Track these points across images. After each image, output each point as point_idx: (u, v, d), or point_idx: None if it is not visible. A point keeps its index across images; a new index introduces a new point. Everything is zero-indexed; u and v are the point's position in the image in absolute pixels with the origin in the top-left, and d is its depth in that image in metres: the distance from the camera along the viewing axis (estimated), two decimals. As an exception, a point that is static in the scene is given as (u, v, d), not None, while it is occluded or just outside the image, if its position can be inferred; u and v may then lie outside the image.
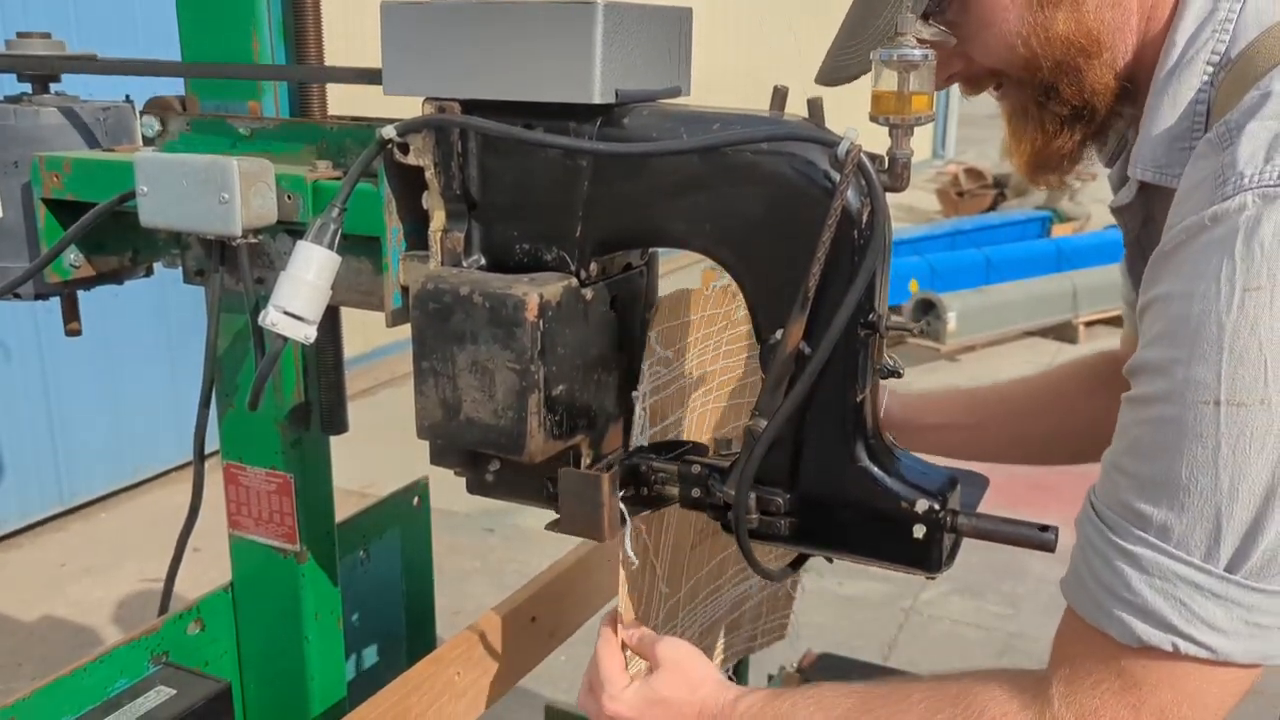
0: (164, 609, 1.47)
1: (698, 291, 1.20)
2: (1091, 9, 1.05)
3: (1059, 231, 8.92)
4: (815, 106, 1.00)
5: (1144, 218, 1.14)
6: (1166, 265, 0.90)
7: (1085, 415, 1.48)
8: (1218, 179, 0.87)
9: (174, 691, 1.34)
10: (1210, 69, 0.99)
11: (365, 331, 5.62)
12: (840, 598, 3.88)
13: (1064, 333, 7.16)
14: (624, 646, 1.21)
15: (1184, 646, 0.89)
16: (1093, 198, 9.40)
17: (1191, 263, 0.87)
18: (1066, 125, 1.11)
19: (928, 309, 6.66)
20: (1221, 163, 0.88)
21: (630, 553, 1.14)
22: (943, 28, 1.06)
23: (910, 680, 1.07)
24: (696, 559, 1.33)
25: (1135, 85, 1.09)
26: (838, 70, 1.13)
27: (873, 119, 0.96)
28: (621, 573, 1.17)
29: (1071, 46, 1.06)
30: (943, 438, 1.53)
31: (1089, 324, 7.14)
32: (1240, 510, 0.86)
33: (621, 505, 1.11)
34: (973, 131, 15.14)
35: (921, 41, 0.94)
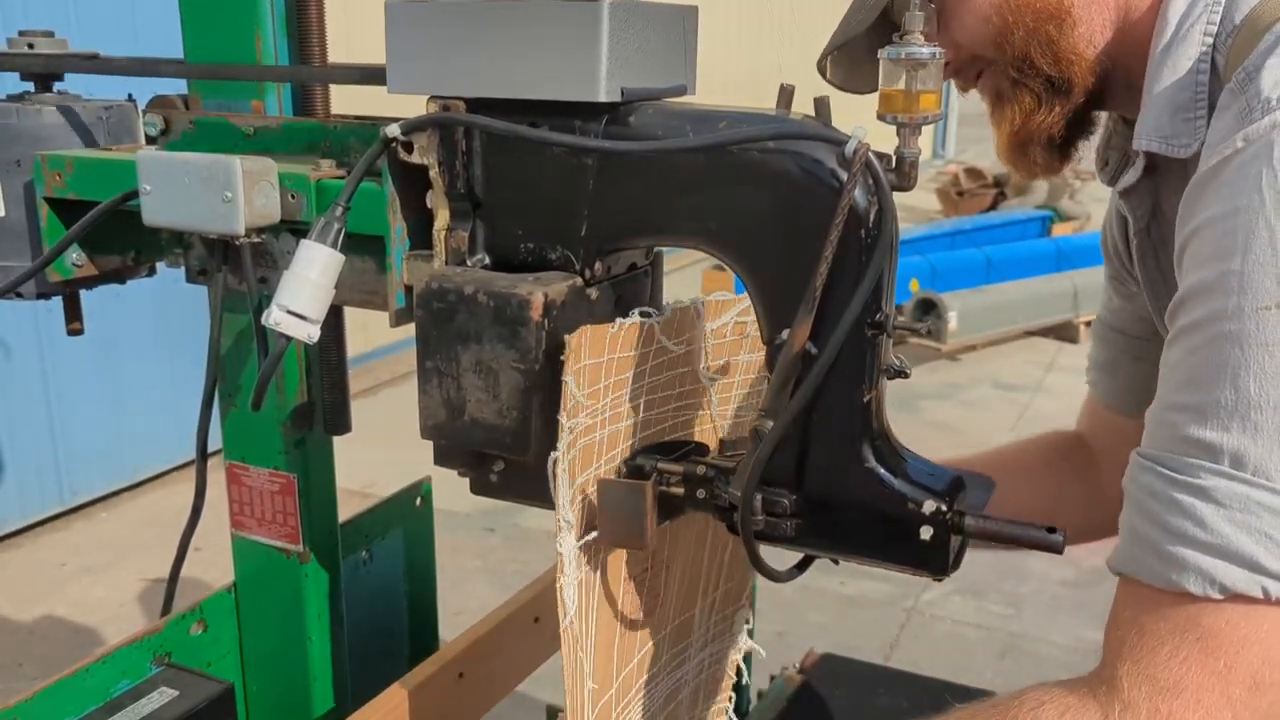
0: (167, 609, 1.47)
1: (606, 329, 1.05)
2: None
3: (1059, 231, 8.92)
4: (822, 105, 0.99)
5: (1152, 205, 1.14)
6: (1203, 193, 0.89)
7: (1053, 495, 1.46)
8: (1243, 111, 0.88)
9: (176, 692, 1.34)
10: (1208, 40, 1.00)
11: (366, 331, 5.62)
12: (842, 598, 3.88)
13: (1064, 332, 7.16)
14: None
15: (1274, 588, 0.79)
16: (1093, 197, 9.41)
17: (1230, 183, 0.86)
18: (1044, 100, 1.11)
19: (928, 309, 6.66)
20: (1246, 97, 0.88)
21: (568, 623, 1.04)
22: (933, 5, 1.06)
23: (952, 713, 1.00)
24: (627, 648, 1.20)
25: (1119, 75, 1.10)
26: (841, 39, 1.15)
27: (880, 117, 0.96)
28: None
29: (1040, 14, 1.07)
30: None
31: (1089, 323, 7.13)
32: None
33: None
34: (973, 131, 15.14)
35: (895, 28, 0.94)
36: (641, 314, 1.08)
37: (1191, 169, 0.97)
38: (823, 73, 1.20)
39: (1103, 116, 1.19)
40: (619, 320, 1.05)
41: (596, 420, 1.06)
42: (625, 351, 1.07)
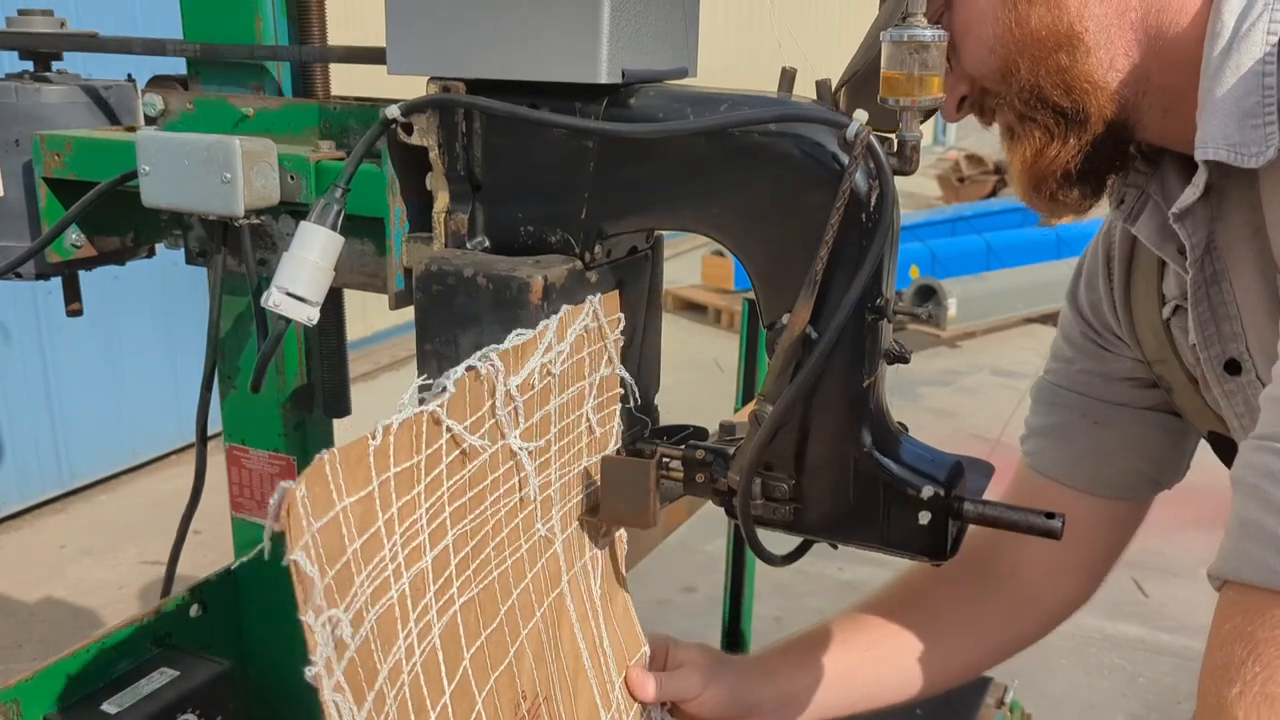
0: (166, 591, 1.47)
1: (363, 445, 0.76)
2: (1073, 4, 1.00)
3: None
4: (824, 88, 0.99)
5: (1207, 234, 1.04)
6: None
7: (957, 623, 1.38)
8: None
9: (176, 673, 1.34)
10: (1272, 39, 0.92)
11: (365, 315, 5.62)
12: (840, 583, 3.89)
13: (1064, 320, 7.15)
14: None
15: None
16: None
17: None
18: (1055, 134, 1.04)
19: (928, 295, 6.66)
20: None
21: None
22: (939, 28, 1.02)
23: None
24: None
25: (1150, 96, 1.02)
26: (855, 67, 1.11)
27: (882, 101, 0.95)
28: None
29: (1047, 44, 1.01)
30: (820, 701, 1.33)
31: (1090, 311, 7.14)
32: None
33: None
34: (974, 118, 15.09)
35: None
36: (420, 390, 0.86)
37: (1265, 180, 0.91)
38: (837, 104, 1.10)
39: (1133, 153, 1.10)
40: (381, 424, 0.77)
41: (387, 573, 0.78)
42: (401, 464, 0.79)
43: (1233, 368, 1.10)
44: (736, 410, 1.43)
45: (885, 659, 1.36)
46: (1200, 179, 0.99)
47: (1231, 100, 0.94)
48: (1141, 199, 1.12)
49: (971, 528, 1.03)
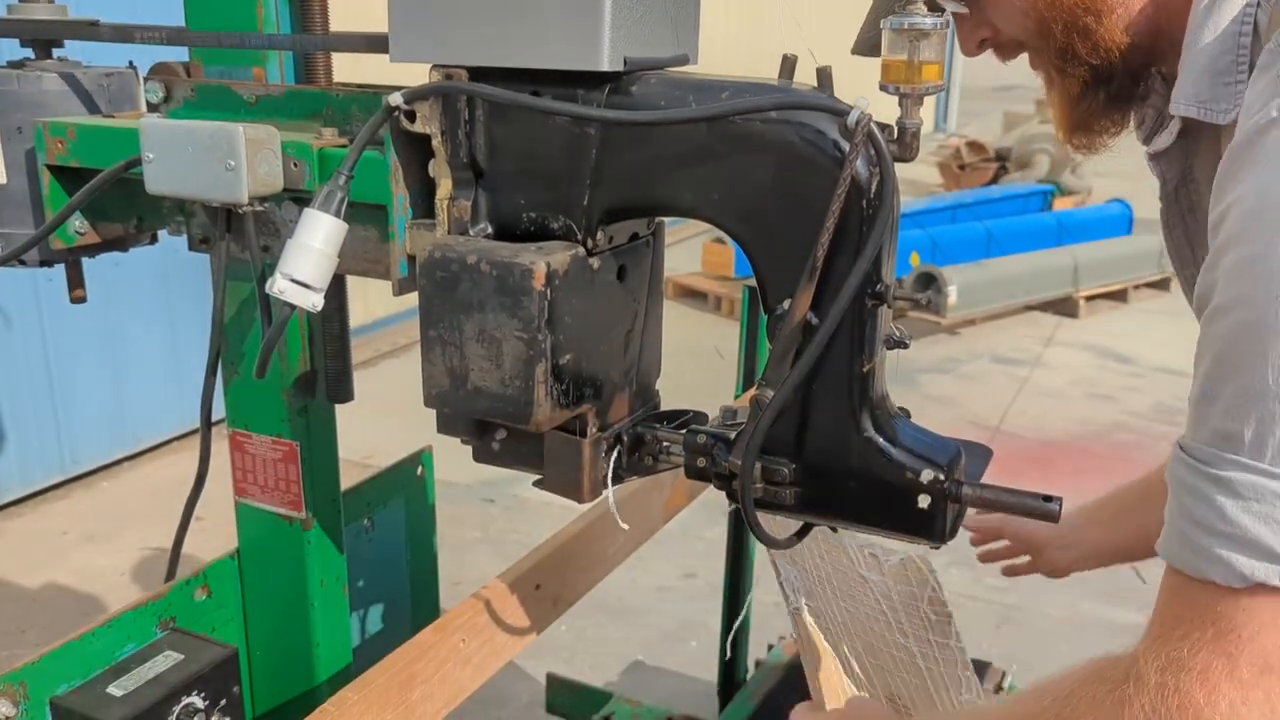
0: (171, 575, 1.48)
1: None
2: None
3: (1060, 205, 8.90)
4: (824, 75, 0.99)
5: (1182, 169, 1.12)
6: (1236, 167, 0.86)
7: None
8: None
9: (181, 656, 1.35)
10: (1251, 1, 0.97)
11: (366, 302, 5.62)
12: (839, 569, 3.90)
13: (1065, 307, 7.15)
14: None
15: None
16: (1094, 171, 9.37)
17: (1263, 157, 0.83)
18: (1089, 88, 1.11)
19: (929, 282, 6.65)
20: None
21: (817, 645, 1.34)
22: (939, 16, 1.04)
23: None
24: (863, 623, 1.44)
25: (1165, 36, 1.08)
26: (874, 40, 1.13)
27: (882, 88, 0.96)
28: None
29: (1076, 8, 1.07)
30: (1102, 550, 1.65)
31: (1090, 298, 7.14)
32: None
33: (608, 470, 1.14)
34: (975, 104, 15.06)
35: (937, 8, 0.93)
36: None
37: (1228, 136, 0.94)
38: (831, 79, 1.14)
39: (1155, 79, 1.16)
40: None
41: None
42: None
43: None
44: (737, 396, 1.44)
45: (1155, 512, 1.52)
46: (1174, 128, 1.07)
47: (1207, 57, 0.99)
48: (1158, 120, 1.17)
49: None
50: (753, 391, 1.03)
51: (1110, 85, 1.11)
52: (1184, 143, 1.09)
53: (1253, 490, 0.81)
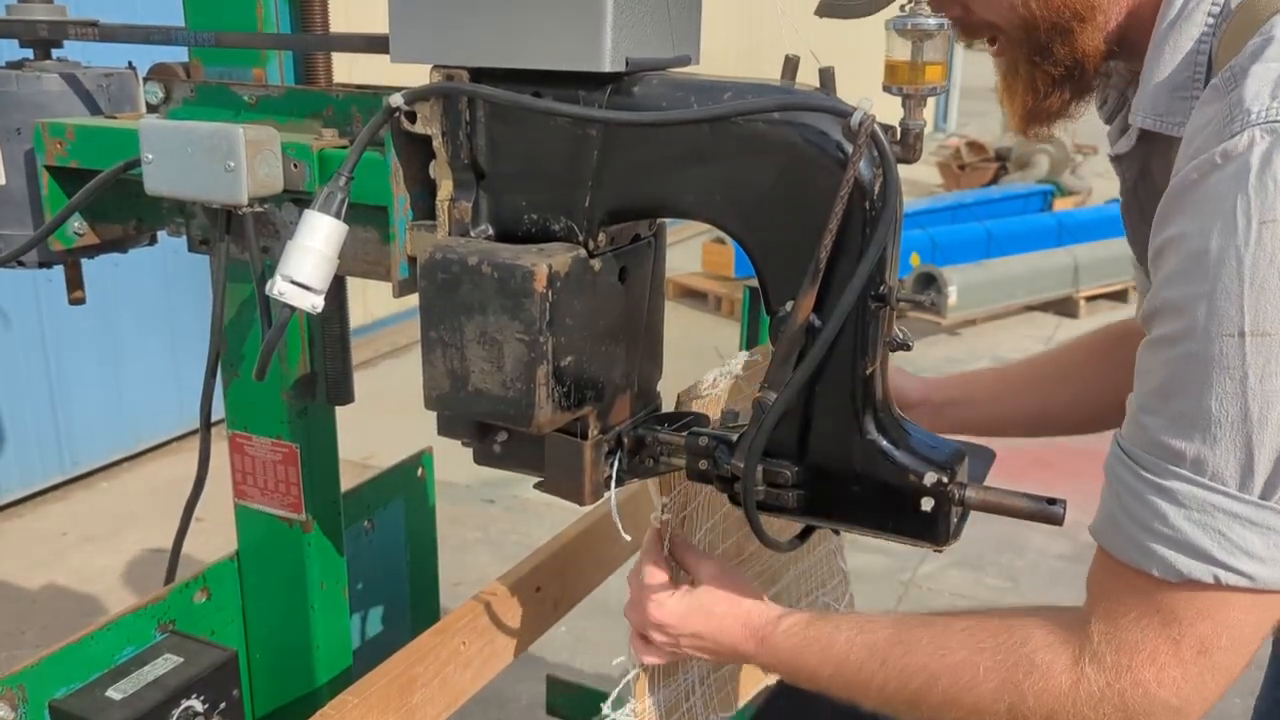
0: (170, 578, 1.47)
1: None
2: None
3: (1060, 205, 8.90)
4: (827, 76, 0.99)
5: (1141, 168, 1.16)
6: (1180, 204, 0.91)
7: (1101, 385, 1.50)
8: (1225, 119, 0.89)
9: (181, 659, 1.35)
10: (1211, 20, 1.01)
11: (365, 303, 5.61)
12: (839, 570, 3.90)
13: (1065, 307, 7.15)
14: (668, 558, 1.24)
15: (1224, 577, 0.90)
16: (1094, 172, 9.37)
17: (1206, 200, 0.88)
18: (1057, 85, 1.14)
19: (929, 282, 6.65)
20: (1229, 103, 0.89)
21: (657, 508, 1.22)
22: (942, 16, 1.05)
23: (950, 614, 1.09)
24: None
25: (1131, 41, 1.11)
26: (836, 5, 1.15)
27: (886, 89, 0.95)
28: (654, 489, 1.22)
29: (1067, 10, 1.09)
30: (960, 413, 1.56)
31: (1090, 298, 7.13)
32: (1271, 437, 0.87)
33: (610, 473, 1.14)
34: (975, 104, 15.06)
35: None
36: None
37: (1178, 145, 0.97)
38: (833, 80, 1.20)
39: (1114, 66, 1.20)
40: None
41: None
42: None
43: None
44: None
45: (1066, 382, 1.56)
46: (1133, 136, 1.13)
47: (1166, 73, 1.04)
48: (1120, 101, 1.23)
49: None
50: (755, 393, 1.03)
51: (1079, 84, 1.14)
52: (1143, 148, 1.14)
53: (1193, 500, 0.90)
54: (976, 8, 1.13)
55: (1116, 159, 1.19)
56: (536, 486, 1.16)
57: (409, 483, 1.82)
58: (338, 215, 1.07)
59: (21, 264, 1.34)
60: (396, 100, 1.07)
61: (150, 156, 1.16)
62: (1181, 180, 0.91)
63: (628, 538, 1.20)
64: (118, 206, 1.34)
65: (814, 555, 1.61)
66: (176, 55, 1.33)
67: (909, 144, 0.95)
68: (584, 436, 1.12)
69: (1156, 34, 1.05)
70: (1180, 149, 0.95)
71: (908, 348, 1.03)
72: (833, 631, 1.10)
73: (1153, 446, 0.93)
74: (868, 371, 1.01)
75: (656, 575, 1.22)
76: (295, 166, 1.16)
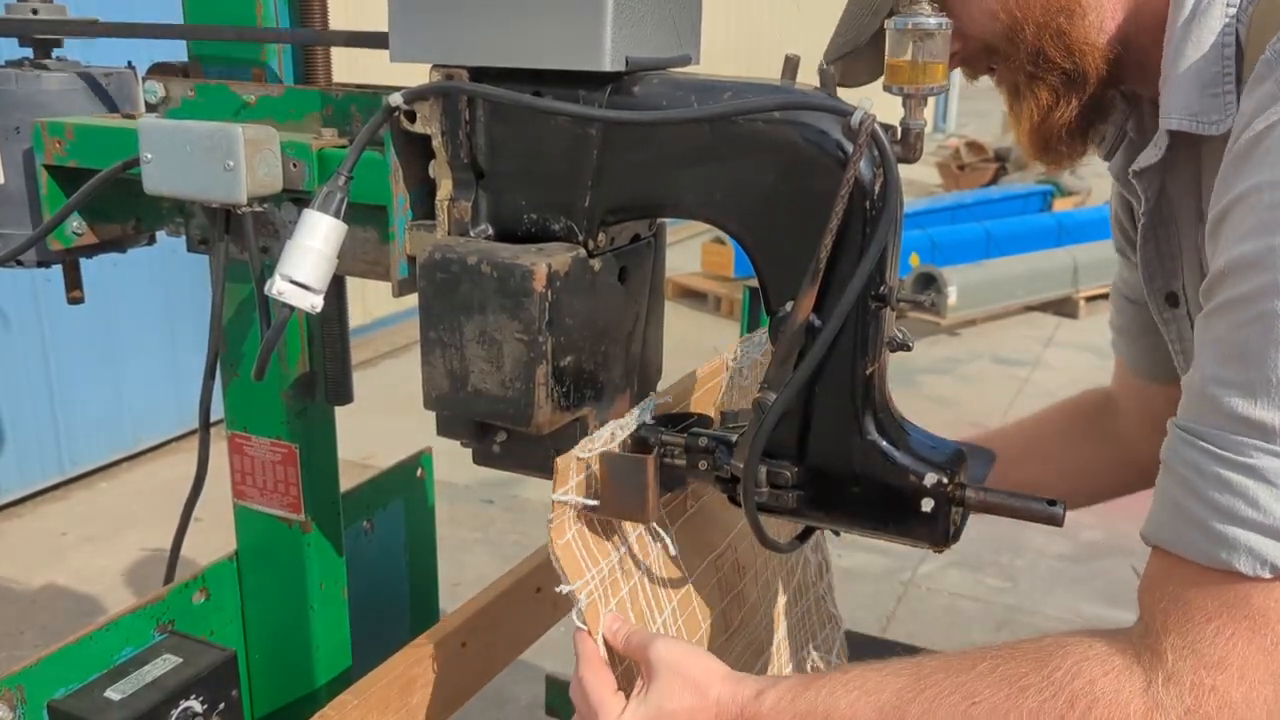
0: (169, 578, 1.47)
1: None
2: None
3: (1060, 206, 8.90)
4: (827, 76, 0.99)
5: (1160, 184, 1.12)
6: (1246, 163, 0.86)
7: (1062, 465, 1.48)
8: None
9: (180, 659, 1.34)
10: (1230, 10, 0.97)
11: (364, 303, 5.61)
12: (839, 570, 3.89)
13: (1064, 307, 7.15)
14: (610, 660, 1.05)
15: None
16: (1094, 172, 9.36)
17: (1274, 151, 0.83)
18: (1061, 94, 1.10)
19: (928, 283, 6.65)
20: None
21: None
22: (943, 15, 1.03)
23: (963, 653, 0.95)
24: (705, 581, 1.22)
25: (1130, 53, 1.08)
26: (846, 47, 1.12)
27: (886, 89, 0.95)
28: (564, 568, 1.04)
29: (1049, 7, 1.06)
30: None
31: (1089, 299, 7.13)
32: None
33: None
34: (974, 105, 15.06)
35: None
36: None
37: (1219, 147, 0.94)
38: (834, 80, 1.12)
39: (1116, 96, 1.17)
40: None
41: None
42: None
43: (1173, 300, 1.21)
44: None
45: (1015, 467, 1.43)
46: (1162, 143, 1.05)
47: (1193, 70, 0.99)
48: (1119, 136, 1.20)
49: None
50: (755, 394, 1.02)
51: (1084, 92, 1.09)
52: (1161, 160, 1.08)
53: None
54: (968, 27, 1.09)
55: (1138, 175, 1.11)
56: (590, 509, 1.06)
57: (408, 483, 1.82)
58: (337, 215, 1.06)
59: (20, 263, 1.34)
60: (396, 99, 1.07)
61: (149, 156, 1.16)
62: (1242, 143, 0.86)
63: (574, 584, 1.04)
64: (117, 206, 1.33)
65: (804, 603, 1.51)
66: (176, 54, 1.33)
67: (910, 143, 0.95)
68: (585, 435, 1.12)
69: (1172, 34, 1.01)
70: (1233, 132, 0.90)
71: (908, 348, 1.03)
72: (829, 699, 0.94)
73: (1229, 422, 0.82)
74: (868, 372, 1.00)
75: (597, 687, 1.02)
76: (294, 166, 1.16)
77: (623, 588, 1.10)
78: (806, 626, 1.51)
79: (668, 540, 1.17)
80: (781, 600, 1.44)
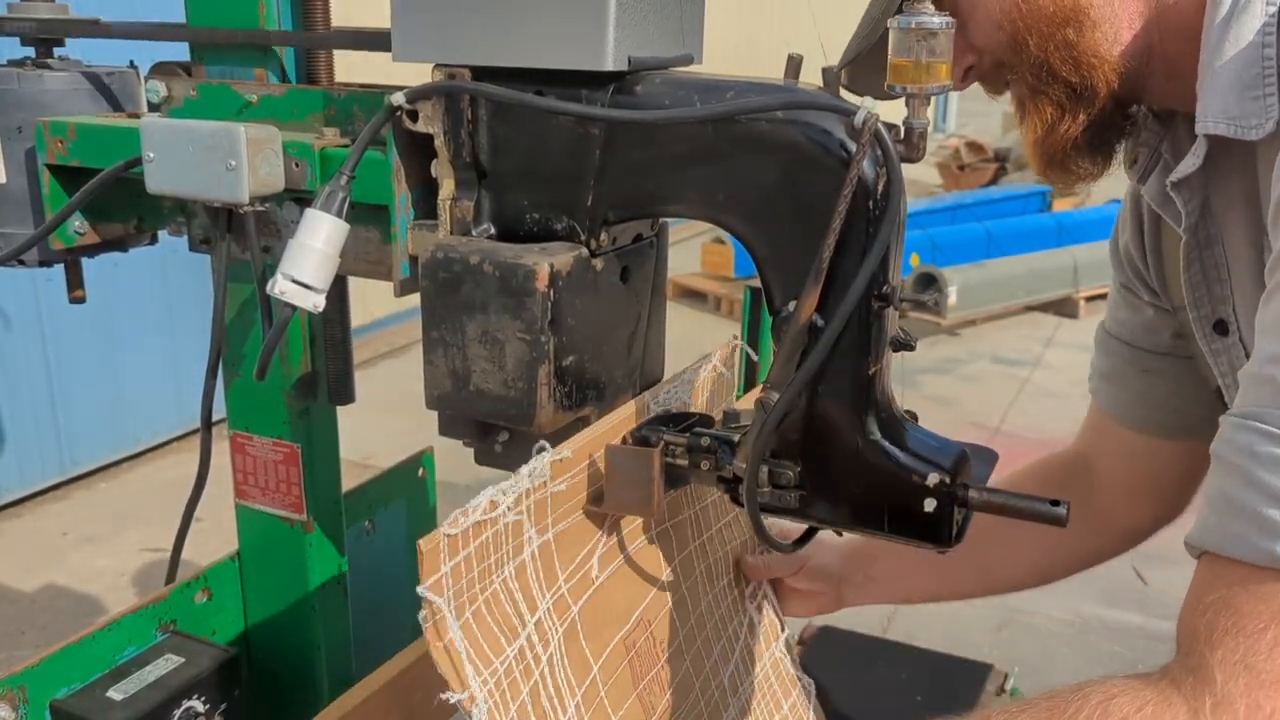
0: (171, 578, 1.47)
1: None
2: None
3: (1060, 206, 8.90)
4: (830, 76, 0.99)
5: (1202, 200, 1.06)
6: None
7: (1030, 552, 1.42)
8: None
9: (182, 660, 1.35)
10: (1271, 9, 0.94)
11: (365, 303, 5.61)
12: (840, 570, 3.89)
13: (1064, 307, 7.16)
14: None
15: None
16: (1095, 172, 9.37)
17: None
18: (1066, 109, 1.06)
19: (929, 283, 6.65)
20: None
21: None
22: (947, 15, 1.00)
23: (1007, 706, 0.89)
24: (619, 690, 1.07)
25: (1154, 64, 1.04)
26: (856, 50, 1.11)
27: (890, 88, 0.95)
28: None
29: (1054, 19, 1.03)
30: (868, 593, 1.45)
31: (1090, 298, 7.13)
32: None
33: None
34: (975, 105, 15.06)
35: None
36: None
37: (1261, 151, 0.91)
38: (837, 79, 1.11)
39: (1145, 115, 1.13)
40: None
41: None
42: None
43: (1221, 328, 1.13)
44: (739, 397, 1.43)
45: (969, 556, 1.29)
46: (1200, 150, 1.00)
47: (1231, 72, 0.95)
48: (1153, 158, 1.13)
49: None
50: (756, 393, 1.02)
51: (1091, 109, 1.05)
52: (1202, 171, 1.03)
53: None
54: (975, 38, 1.07)
55: (1176, 187, 1.06)
56: (593, 505, 1.06)
57: (410, 483, 1.82)
58: (339, 214, 1.06)
59: (22, 263, 1.34)
60: (398, 99, 1.07)
61: (151, 155, 1.16)
62: None
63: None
64: (118, 205, 1.33)
65: (757, 671, 1.36)
66: (178, 54, 1.33)
67: (913, 143, 0.94)
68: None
69: (1209, 36, 0.97)
70: None
71: (910, 347, 1.03)
72: None
73: None
74: (870, 372, 1.00)
75: None
76: (297, 165, 1.16)
77: (523, 689, 0.92)
78: (767, 696, 1.37)
79: (575, 615, 1.02)
80: (725, 673, 1.29)
